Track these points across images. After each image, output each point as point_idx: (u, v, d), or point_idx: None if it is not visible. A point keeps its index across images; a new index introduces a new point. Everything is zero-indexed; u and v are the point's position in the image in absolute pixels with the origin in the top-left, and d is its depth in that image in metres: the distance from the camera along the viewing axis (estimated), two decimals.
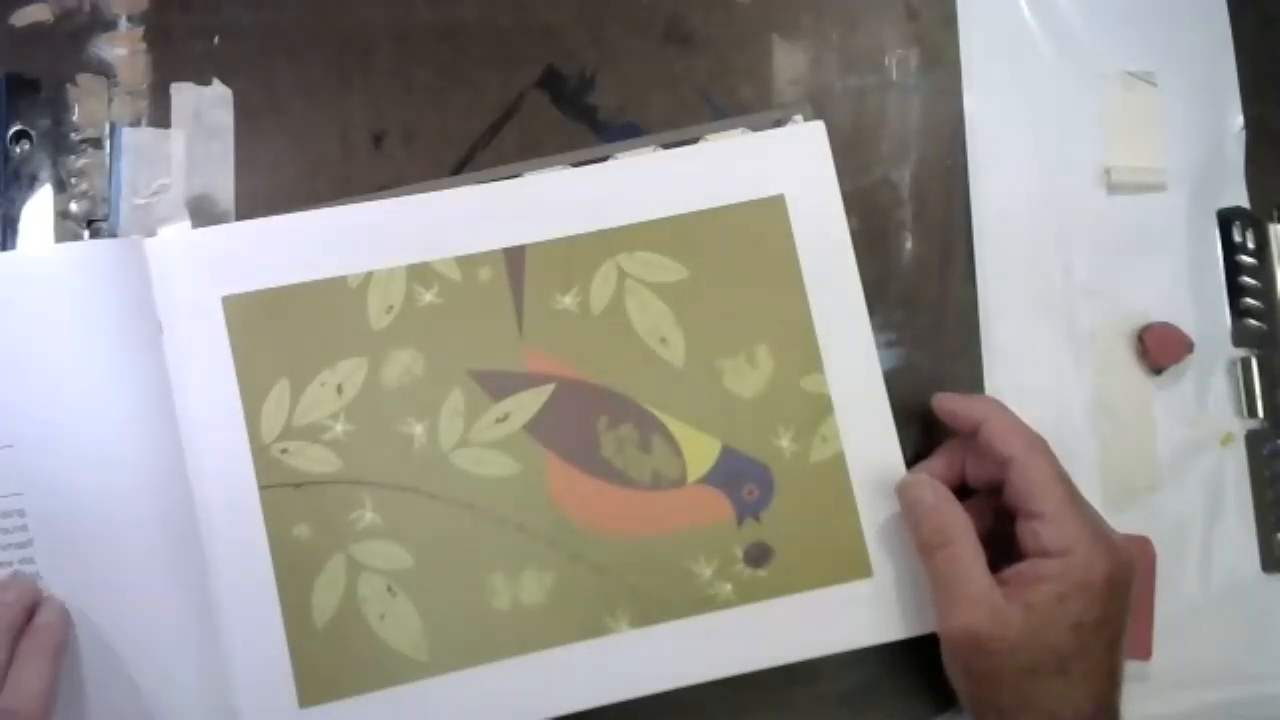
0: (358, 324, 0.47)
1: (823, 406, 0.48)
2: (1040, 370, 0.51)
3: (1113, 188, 0.52)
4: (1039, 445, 0.45)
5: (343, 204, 0.48)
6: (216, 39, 0.50)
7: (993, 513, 0.46)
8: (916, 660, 0.48)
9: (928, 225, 0.52)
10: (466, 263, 0.48)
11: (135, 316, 0.46)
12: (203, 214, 0.49)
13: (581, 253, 0.48)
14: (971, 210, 0.52)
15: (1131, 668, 0.46)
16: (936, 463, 0.48)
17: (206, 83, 0.50)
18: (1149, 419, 0.52)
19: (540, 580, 0.46)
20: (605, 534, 0.47)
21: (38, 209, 0.48)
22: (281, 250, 0.47)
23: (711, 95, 0.51)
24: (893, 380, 0.48)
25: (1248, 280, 0.53)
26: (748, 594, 0.47)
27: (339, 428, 0.46)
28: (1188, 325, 0.52)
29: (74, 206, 0.49)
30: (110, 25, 0.49)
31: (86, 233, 0.48)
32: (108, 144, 0.49)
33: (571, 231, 0.48)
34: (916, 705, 0.49)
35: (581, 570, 0.46)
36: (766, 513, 0.47)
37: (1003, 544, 0.45)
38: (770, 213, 0.49)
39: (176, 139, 0.49)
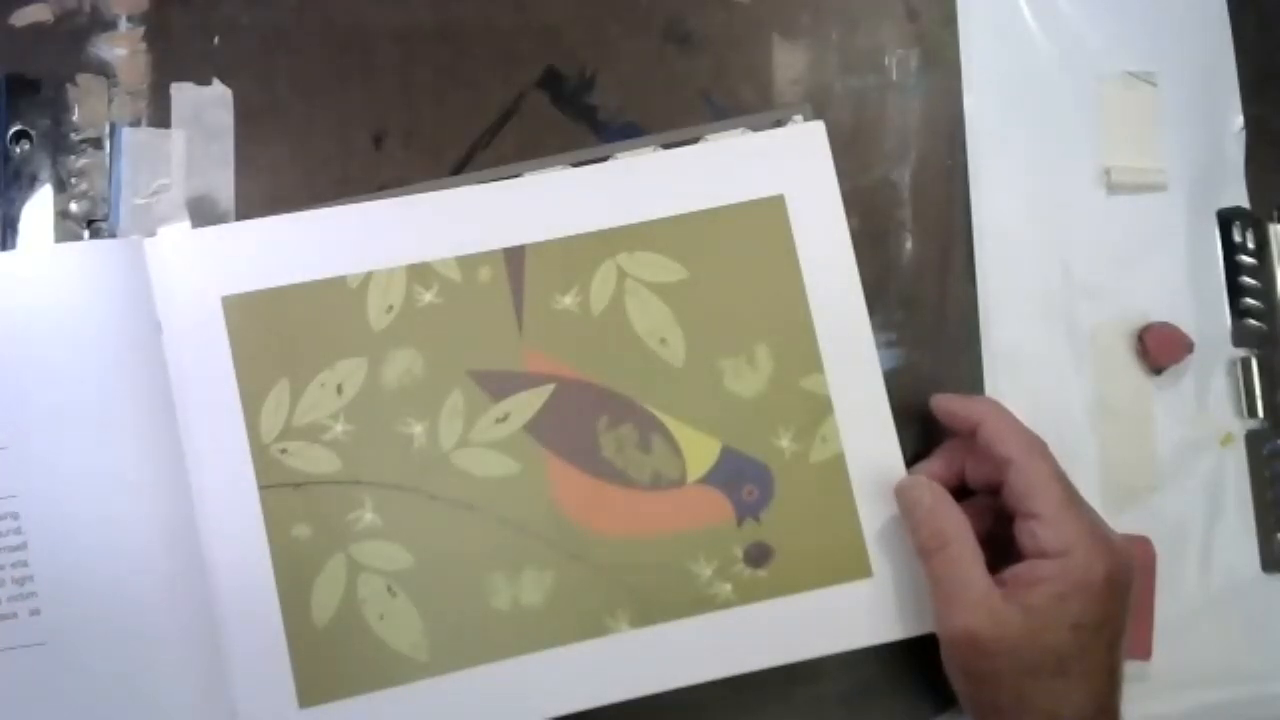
0: (357, 324, 0.47)
1: (823, 407, 0.48)
2: (1040, 370, 0.51)
3: (1112, 188, 0.52)
4: (1038, 446, 0.45)
5: (343, 204, 0.48)
6: (216, 39, 0.50)
7: (992, 513, 0.46)
8: (916, 660, 0.48)
9: (928, 225, 0.52)
10: (466, 263, 0.48)
11: (135, 316, 0.45)
12: (203, 214, 0.49)
13: (581, 253, 0.48)
14: (971, 210, 0.52)
15: (1131, 668, 0.46)
16: (935, 463, 0.48)
17: (206, 83, 0.49)
18: (1149, 419, 0.52)
19: (540, 580, 0.46)
20: (605, 534, 0.47)
21: (38, 209, 0.48)
22: (281, 250, 0.47)
23: (711, 95, 0.51)
24: (893, 380, 0.48)
25: (1248, 280, 0.53)
26: (748, 594, 0.47)
27: (339, 428, 0.46)
28: (1188, 325, 0.52)
29: (74, 206, 0.49)
30: (110, 25, 0.49)
31: (86, 233, 0.48)
32: (108, 144, 0.49)
33: (571, 231, 0.48)
34: (916, 705, 0.49)
35: (581, 570, 0.46)
36: (766, 513, 0.47)
37: (1002, 545, 0.45)
38: (770, 213, 0.49)
39: (176, 139, 0.49)
